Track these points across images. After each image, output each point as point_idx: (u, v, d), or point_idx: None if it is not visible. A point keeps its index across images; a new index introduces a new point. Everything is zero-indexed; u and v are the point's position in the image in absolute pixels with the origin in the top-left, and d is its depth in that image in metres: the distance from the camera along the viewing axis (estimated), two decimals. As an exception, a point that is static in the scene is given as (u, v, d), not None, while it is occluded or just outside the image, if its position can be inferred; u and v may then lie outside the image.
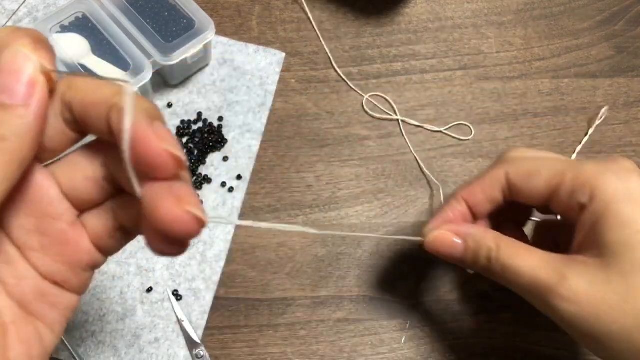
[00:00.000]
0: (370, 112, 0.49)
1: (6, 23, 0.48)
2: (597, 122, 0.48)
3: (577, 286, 0.29)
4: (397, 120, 0.49)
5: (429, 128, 0.49)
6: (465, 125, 0.49)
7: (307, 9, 0.52)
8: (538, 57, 0.52)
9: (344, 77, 0.50)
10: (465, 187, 0.35)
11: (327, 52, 0.50)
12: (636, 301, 0.28)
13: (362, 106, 0.49)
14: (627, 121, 0.50)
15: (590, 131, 0.49)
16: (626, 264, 0.28)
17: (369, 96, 0.49)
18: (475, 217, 0.35)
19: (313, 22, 0.51)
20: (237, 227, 0.44)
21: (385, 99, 0.49)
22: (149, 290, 0.41)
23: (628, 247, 0.28)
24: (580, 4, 0.54)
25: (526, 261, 0.31)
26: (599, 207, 0.30)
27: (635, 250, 0.28)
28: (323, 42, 0.51)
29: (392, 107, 0.49)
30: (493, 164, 0.35)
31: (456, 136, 0.49)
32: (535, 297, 0.31)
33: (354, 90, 0.49)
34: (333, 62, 0.50)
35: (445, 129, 0.49)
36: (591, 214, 0.30)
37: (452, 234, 0.33)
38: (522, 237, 0.37)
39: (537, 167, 0.32)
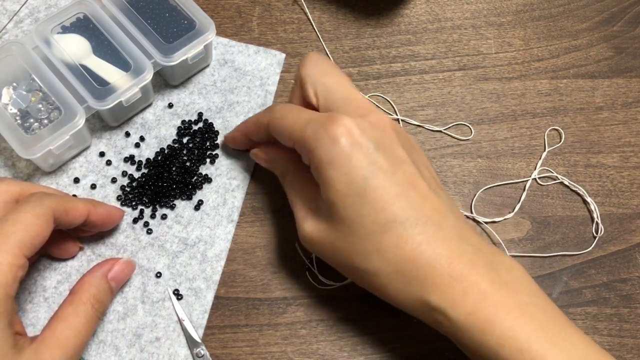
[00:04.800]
0: (370, 113, 0.49)
1: (7, 24, 0.48)
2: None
3: (308, 228, 0.38)
4: (398, 120, 0.49)
5: (428, 128, 0.49)
6: (465, 125, 0.49)
7: (307, 10, 0.52)
8: (537, 57, 0.52)
9: (343, 77, 0.50)
10: (244, 123, 0.44)
11: (327, 53, 0.51)
12: (341, 244, 0.36)
13: (362, 106, 0.49)
14: (626, 121, 0.50)
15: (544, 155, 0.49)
16: (333, 216, 0.36)
17: (369, 96, 0.50)
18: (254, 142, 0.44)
19: (313, 23, 0.52)
20: (238, 227, 0.44)
21: (385, 99, 0.50)
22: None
23: (332, 204, 0.35)
24: (579, 4, 0.54)
25: (293, 194, 0.40)
26: (314, 170, 0.36)
27: (336, 207, 0.35)
28: (323, 43, 0.51)
29: (392, 107, 0.49)
30: (264, 110, 0.42)
31: (456, 136, 0.49)
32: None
33: (354, 90, 0.50)
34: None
35: (444, 129, 0.49)
36: (312, 173, 0.37)
37: (262, 152, 0.43)
38: None
39: (284, 124, 0.38)
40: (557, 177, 0.48)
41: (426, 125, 0.49)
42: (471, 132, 0.49)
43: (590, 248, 0.46)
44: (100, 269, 0.39)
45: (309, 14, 0.52)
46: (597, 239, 0.46)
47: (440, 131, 0.49)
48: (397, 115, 0.49)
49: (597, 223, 0.47)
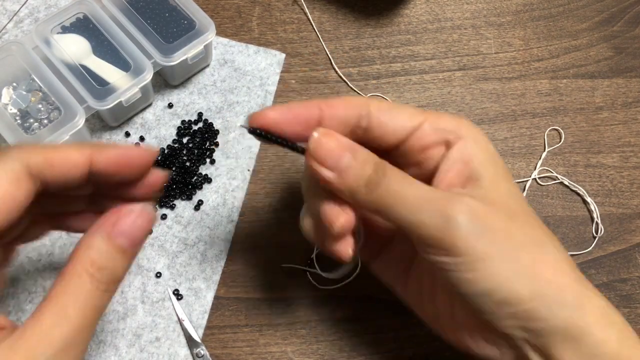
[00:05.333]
0: (370, 113, 0.49)
1: (7, 24, 0.48)
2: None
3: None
4: (397, 120, 0.49)
5: (428, 128, 0.49)
6: (465, 125, 0.49)
7: (307, 10, 0.52)
8: (537, 57, 0.52)
9: (343, 77, 0.50)
10: (327, 99, 0.31)
11: (327, 53, 0.51)
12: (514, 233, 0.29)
13: (362, 106, 0.49)
14: (626, 121, 0.50)
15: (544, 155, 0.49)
16: (500, 196, 0.30)
17: (369, 96, 0.50)
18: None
19: (313, 23, 0.52)
20: (238, 227, 0.44)
21: (385, 99, 0.50)
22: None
23: (497, 179, 0.31)
24: (579, 4, 0.54)
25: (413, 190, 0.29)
26: (469, 145, 0.31)
27: (503, 182, 0.31)
28: (323, 43, 0.51)
29: (392, 107, 0.49)
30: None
31: (455, 136, 0.49)
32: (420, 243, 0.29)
33: (354, 90, 0.50)
34: (333, 63, 0.50)
35: (444, 129, 0.49)
36: (461, 151, 0.31)
37: (338, 142, 0.29)
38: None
39: (399, 106, 0.32)
40: (557, 177, 0.48)
41: (426, 125, 0.49)
42: (471, 132, 0.49)
43: (590, 248, 0.46)
44: (99, 226, 0.28)
45: (309, 14, 0.52)
46: (597, 239, 0.46)
47: (440, 131, 0.49)
48: (397, 115, 0.49)
49: (597, 223, 0.47)
